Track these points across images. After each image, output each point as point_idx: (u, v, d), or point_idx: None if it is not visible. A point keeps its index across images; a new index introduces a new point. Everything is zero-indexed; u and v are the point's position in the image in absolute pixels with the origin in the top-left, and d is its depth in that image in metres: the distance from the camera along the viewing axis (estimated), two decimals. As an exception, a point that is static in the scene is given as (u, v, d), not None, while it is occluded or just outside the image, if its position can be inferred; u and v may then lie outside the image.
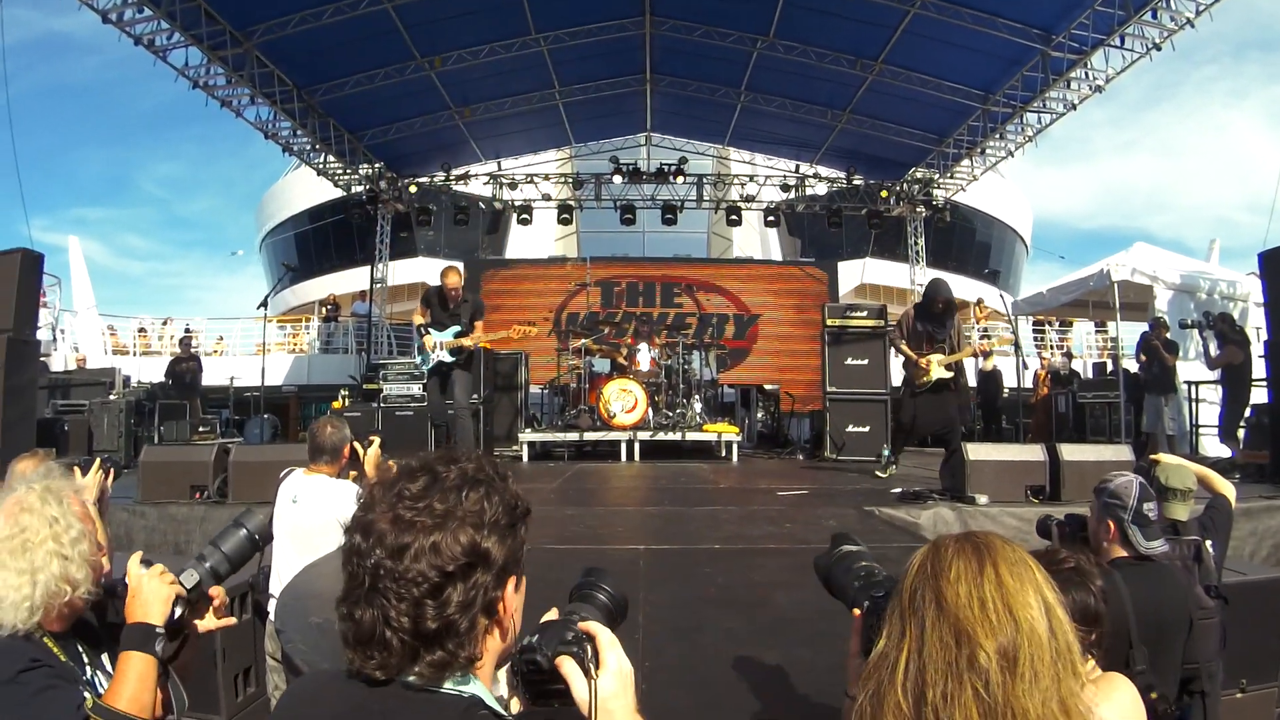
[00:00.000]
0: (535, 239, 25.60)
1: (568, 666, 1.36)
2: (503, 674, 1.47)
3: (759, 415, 15.67)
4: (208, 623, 2.19)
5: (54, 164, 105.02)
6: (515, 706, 1.46)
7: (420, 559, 1.29)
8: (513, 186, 19.69)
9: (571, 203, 19.91)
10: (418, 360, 10.01)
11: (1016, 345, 13.39)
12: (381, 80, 15.10)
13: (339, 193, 20.11)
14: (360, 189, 19.17)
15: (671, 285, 19.49)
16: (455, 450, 1.47)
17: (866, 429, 11.74)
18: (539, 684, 1.39)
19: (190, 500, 7.97)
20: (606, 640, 1.40)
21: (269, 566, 4.55)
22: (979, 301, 25.00)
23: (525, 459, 11.71)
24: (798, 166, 19.64)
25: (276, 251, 31.09)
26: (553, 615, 1.49)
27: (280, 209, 30.94)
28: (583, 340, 12.93)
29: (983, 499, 7.39)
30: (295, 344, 24.97)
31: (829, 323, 12.12)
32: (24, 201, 26.56)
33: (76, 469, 3.33)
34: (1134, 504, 3.27)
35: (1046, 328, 23.64)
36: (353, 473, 4.84)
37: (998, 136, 16.17)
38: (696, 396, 12.93)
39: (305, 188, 26.13)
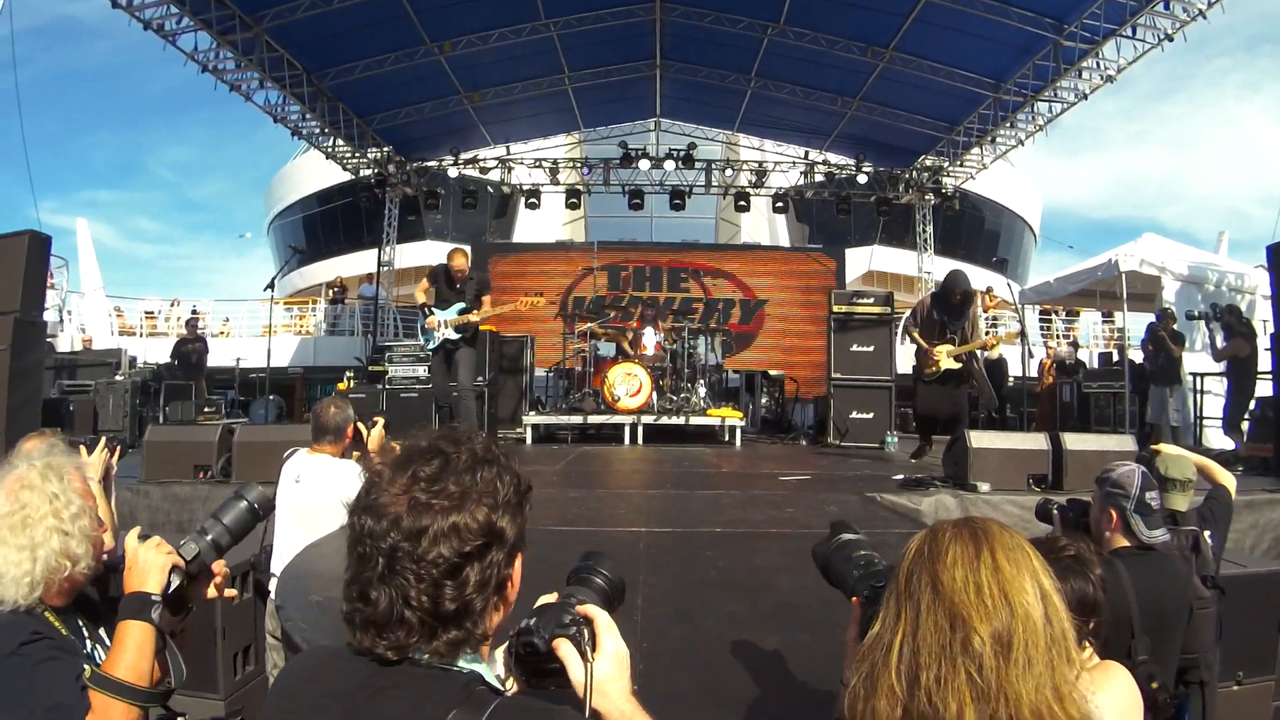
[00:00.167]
0: (543, 223, 25.52)
1: (565, 649, 1.37)
2: (499, 653, 1.48)
3: (763, 400, 15.65)
4: (211, 593, 2.20)
5: (65, 147, 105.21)
6: (511, 687, 1.46)
7: (439, 541, 1.31)
8: (521, 170, 19.64)
9: (580, 187, 19.89)
10: (421, 341, 10.01)
11: (1022, 334, 13.36)
12: (391, 65, 15.07)
13: (347, 176, 20.10)
14: (369, 172, 19.15)
15: (678, 270, 19.51)
16: (457, 430, 1.48)
17: (870, 415, 11.76)
18: (535, 665, 1.40)
19: (194, 480, 8.01)
20: (604, 624, 1.42)
21: (271, 545, 4.56)
22: (988, 290, 24.92)
23: (529, 441, 11.75)
24: (807, 153, 19.58)
25: (284, 234, 31.05)
26: (551, 598, 1.49)
27: (289, 192, 30.90)
28: (588, 324, 12.94)
29: (985, 486, 7.38)
30: (301, 326, 24.96)
31: (835, 309, 12.11)
32: (32, 184, 26.49)
33: (82, 447, 3.36)
34: (1137, 493, 3.27)
35: (1053, 317, 23.58)
36: (355, 453, 4.86)
37: (1008, 125, 16.10)
38: (701, 381, 12.94)
39: (314, 171, 26.10)
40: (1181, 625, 3.19)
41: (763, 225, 27.93)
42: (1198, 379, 12.98)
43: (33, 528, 1.97)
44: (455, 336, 9.44)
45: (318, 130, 16.91)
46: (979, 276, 25.89)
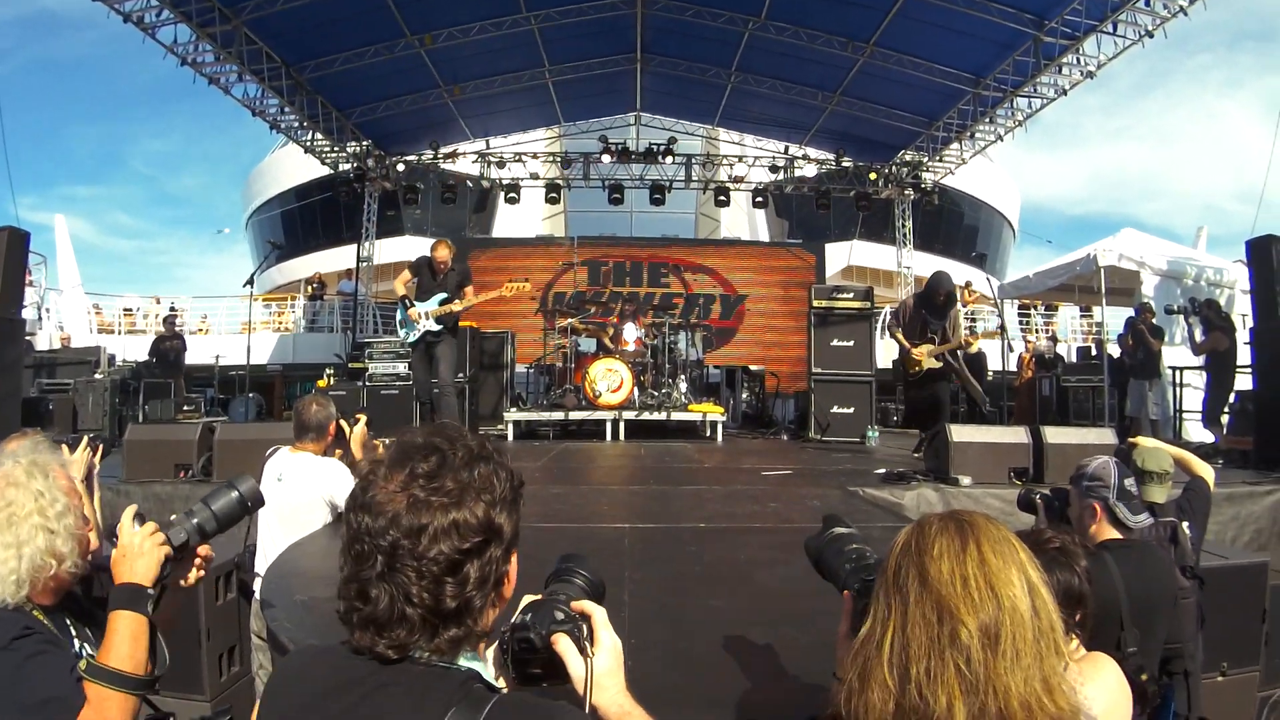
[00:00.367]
0: (523, 218, 25.45)
1: (563, 644, 1.38)
2: (490, 652, 1.48)
3: (744, 395, 15.67)
4: (192, 576, 2.20)
5: (43, 142, 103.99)
6: (501, 686, 1.46)
7: (440, 538, 1.30)
8: (501, 165, 19.61)
9: (559, 182, 19.84)
10: (402, 334, 9.95)
11: (1001, 328, 13.46)
12: (371, 58, 14.99)
13: (326, 170, 19.93)
14: (348, 167, 19.03)
15: (659, 265, 19.52)
16: (449, 426, 1.47)
17: (851, 410, 11.78)
18: (528, 662, 1.40)
19: (175, 479, 7.95)
20: (600, 619, 1.42)
21: (254, 545, 4.54)
22: (967, 284, 25.03)
23: (510, 438, 11.69)
24: (787, 148, 19.64)
25: (263, 229, 30.77)
26: (537, 598, 1.49)
27: (267, 186, 30.72)
28: (569, 319, 12.91)
29: (966, 480, 7.44)
30: (280, 322, 24.78)
31: (815, 304, 12.11)
32: (10, 180, 26.31)
33: (65, 446, 3.33)
34: (1115, 482, 3.30)
35: (1032, 311, 23.70)
36: (338, 451, 4.84)
37: (988, 120, 16.18)
38: (682, 376, 12.94)
39: (292, 165, 25.90)
40: (1167, 616, 3.21)
41: (742, 220, 27.96)
42: (1177, 373, 13.08)
43: (18, 525, 1.96)
44: (436, 328, 9.41)
45: (297, 124, 16.78)
46: (958, 271, 25.96)
